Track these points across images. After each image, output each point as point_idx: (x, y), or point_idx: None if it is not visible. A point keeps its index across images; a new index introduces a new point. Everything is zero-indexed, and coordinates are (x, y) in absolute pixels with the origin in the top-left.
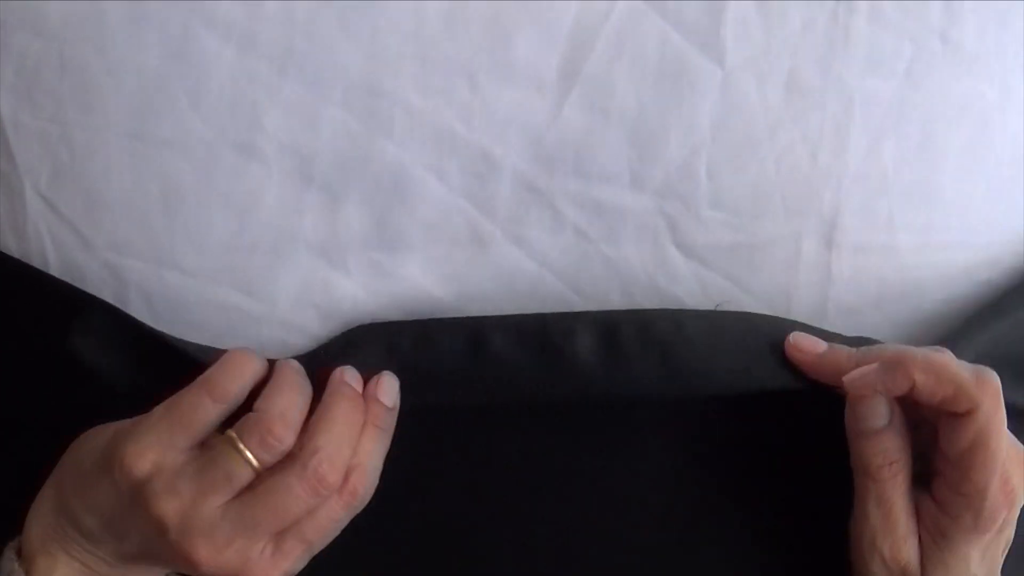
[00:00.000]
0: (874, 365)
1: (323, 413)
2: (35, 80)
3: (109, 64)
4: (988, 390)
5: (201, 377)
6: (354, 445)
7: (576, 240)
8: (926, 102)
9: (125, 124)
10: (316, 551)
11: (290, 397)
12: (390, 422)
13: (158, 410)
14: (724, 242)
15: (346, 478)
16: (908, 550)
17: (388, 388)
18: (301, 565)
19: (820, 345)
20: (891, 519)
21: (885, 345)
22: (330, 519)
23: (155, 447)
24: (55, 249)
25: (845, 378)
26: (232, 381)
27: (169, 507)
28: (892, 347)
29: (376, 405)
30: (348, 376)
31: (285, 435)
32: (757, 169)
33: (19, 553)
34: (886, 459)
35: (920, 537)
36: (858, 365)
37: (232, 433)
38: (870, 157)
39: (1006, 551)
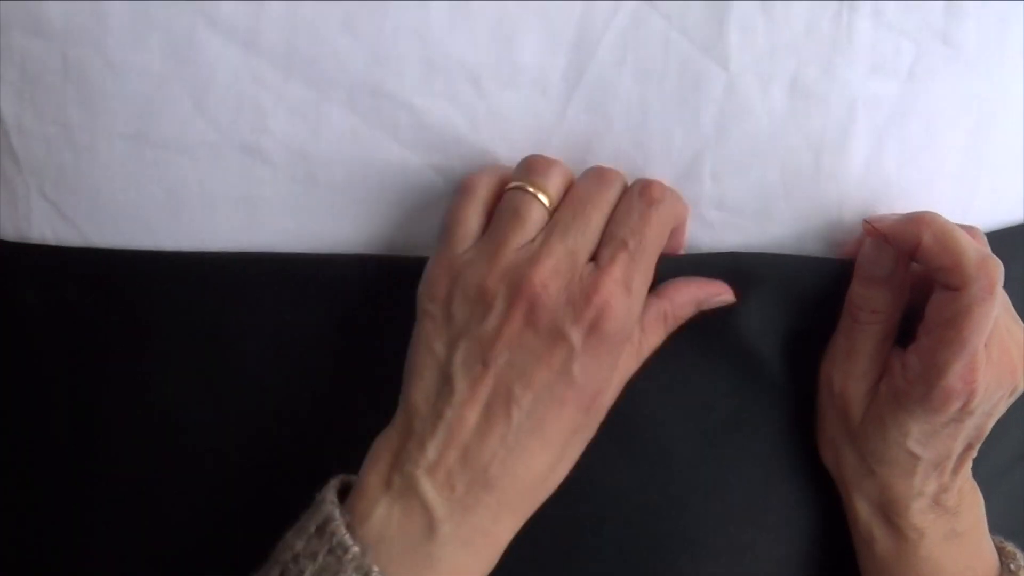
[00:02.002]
0: (894, 218)
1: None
2: (38, 82)
3: (112, 65)
4: (984, 275)
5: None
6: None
7: None
8: (928, 103)
9: (128, 125)
10: (644, 262)
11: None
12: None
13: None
14: (728, 243)
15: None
16: (854, 387)
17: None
18: (636, 279)
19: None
20: (852, 356)
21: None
22: (629, 210)
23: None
24: None
25: (865, 219)
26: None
27: (480, 268)
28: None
29: None
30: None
31: (553, 164)
32: (761, 171)
33: (341, 495)
34: (870, 307)
35: (879, 391)
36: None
37: (510, 183)
38: (873, 158)
39: (968, 454)
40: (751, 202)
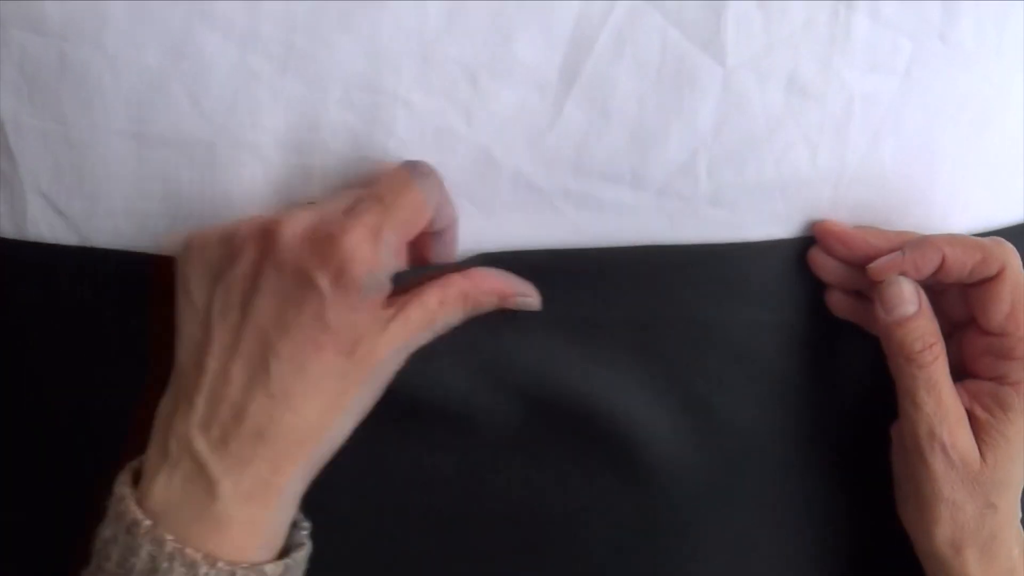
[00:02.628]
0: (897, 252)
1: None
2: (35, 79)
3: (109, 63)
4: (1009, 250)
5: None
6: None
7: (576, 238)
8: (925, 101)
9: (125, 123)
10: (396, 215)
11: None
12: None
13: None
14: (724, 240)
15: None
16: (965, 435)
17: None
18: (385, 232)
19: (846, 226)
20: (943, 403)
21: (901, 232)
22: (405, 182)
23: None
24: None
25: (871, 266)
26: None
27: (226, 226)
28: (910, 232)
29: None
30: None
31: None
32: (757, 168)
33: (135, 476)
34: (925, 342)
35: (975, 420)
36: (887, 243)
37: None
38: (869, 155)
39: None
40: (747, 199)
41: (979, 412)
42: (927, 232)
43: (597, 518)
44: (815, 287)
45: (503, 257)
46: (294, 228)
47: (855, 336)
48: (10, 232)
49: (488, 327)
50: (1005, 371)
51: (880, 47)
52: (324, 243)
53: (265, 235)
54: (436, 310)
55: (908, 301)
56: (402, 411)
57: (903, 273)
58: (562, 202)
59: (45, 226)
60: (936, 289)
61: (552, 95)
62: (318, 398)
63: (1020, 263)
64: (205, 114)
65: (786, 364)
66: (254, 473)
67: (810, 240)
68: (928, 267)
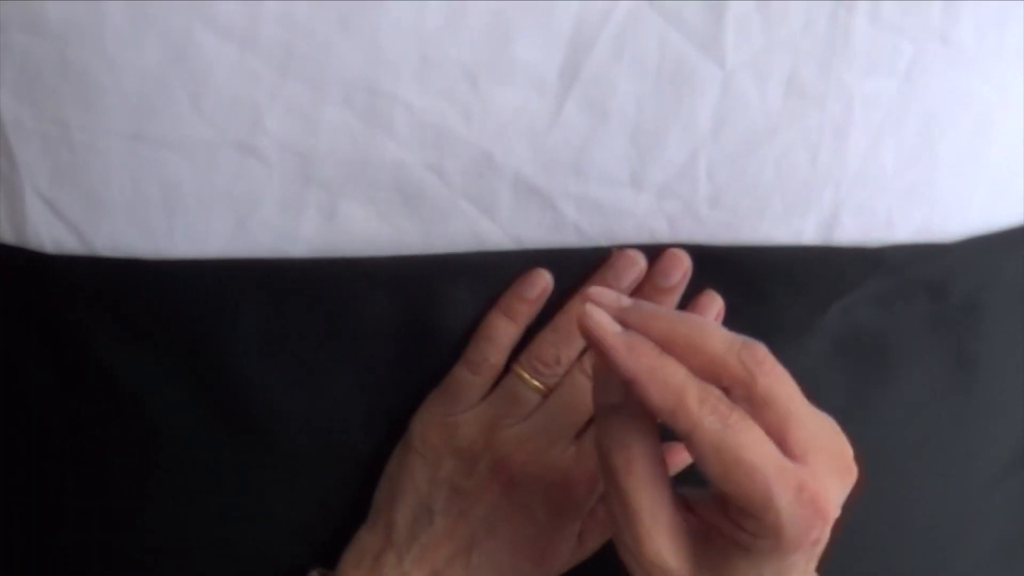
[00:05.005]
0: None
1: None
2: (35, 80)
3: (109, 64)
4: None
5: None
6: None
7: (577, 240)
8: (926, 102)
9: (125, 124)
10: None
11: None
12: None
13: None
14: (723, 241)
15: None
16: (655, 543)
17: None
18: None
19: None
20: (629, 510)
21: (704, 328)
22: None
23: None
24: (55, 249)
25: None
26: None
27: (472, 432)
28: (712, 337)
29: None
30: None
31: (554, 357)
32: (757, 169)
33: None
34: (616, 442)
35: (697, 551)
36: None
37: (515, 364)
38: (869, 157)
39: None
40: (747, 200)
41: (720, 541)
42: (924, 233)
43: None
44: (816, 291)
45: (503, 257)
46: (526, 466)
47: (850, 343)
48: (8, 233)
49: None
50: (744, 523)
51: (880, 49)
52: (551, 486)
53: (501, 468)
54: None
55: (610, 391)
56: None
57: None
58: (562, 203)
59: (44, 227)
60: None
61: (552, 96)
62: None
63: (725, 415)
64: (204, 115)
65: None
66: None
67: (810, 248)
68: (613, 397)
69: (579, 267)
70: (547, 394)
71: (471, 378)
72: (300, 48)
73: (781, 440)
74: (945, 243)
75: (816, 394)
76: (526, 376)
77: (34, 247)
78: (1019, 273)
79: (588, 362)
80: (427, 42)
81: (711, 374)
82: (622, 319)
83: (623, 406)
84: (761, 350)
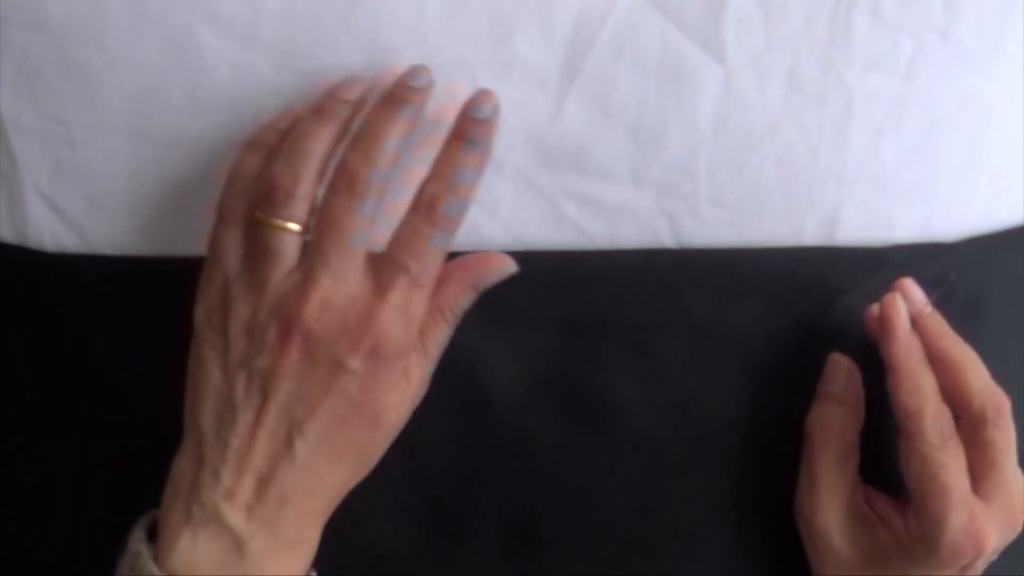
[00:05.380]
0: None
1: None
2: (36, 78)
3: (110, 61)
4: (936, 425)
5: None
6: (379, 140)
7: (577, 237)
8: (926, 100)
9: (126, 121)
10: (425, 285)
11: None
12: (481, 135)
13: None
14: (724, 240)
15: (425, 192)
16: (827, 516)
17: (480, 102)
18: (416, 303)
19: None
20: (814, 481)
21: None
22: (414, 233)
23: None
24: (55, 246)
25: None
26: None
27: (247, 301)
28: (974, 375)
29: (463, 121)
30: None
31: (294, 185)
32: (757, 167)
33: (149, 532)
34: (822, 423)
35: (879, 539)
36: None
37: (254, 214)
38: (870, 155)
39: None
40: (747, 198)
41: (882, 536)
42: (924, 231)
43: (591, 514)
44: (818, 291)
45: None
46: (321, 316)
47: (854, 343)
48: (8, 231)
49: (490, 327)
50: (911, 523)
51: (880, 46)
52: (354, 330)
53: (289, 324)
54: (426, 342)
55: (833, 381)
56: None
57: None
58: (562, 201)
59: (44, 225)
60: None
61: (552, 93)
62: (344, 466)
63: (944, 443)
64: (205, 114)
65: (786, 368)
66: (280, 532)
67: (813, 248)
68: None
69: (580, 267)
70: (305, 230)
71: (225, 231)
72: (301, 45)
73: (979, 478)
74: (946, 243)
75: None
76: (268, 220)
77: (34, 245)
78: (1019, 273)
79: (337, 175)
80: (428, 39)
81: (956, 400)
82: (916, 319)
83: (840, 397)
84: (1005, 405)
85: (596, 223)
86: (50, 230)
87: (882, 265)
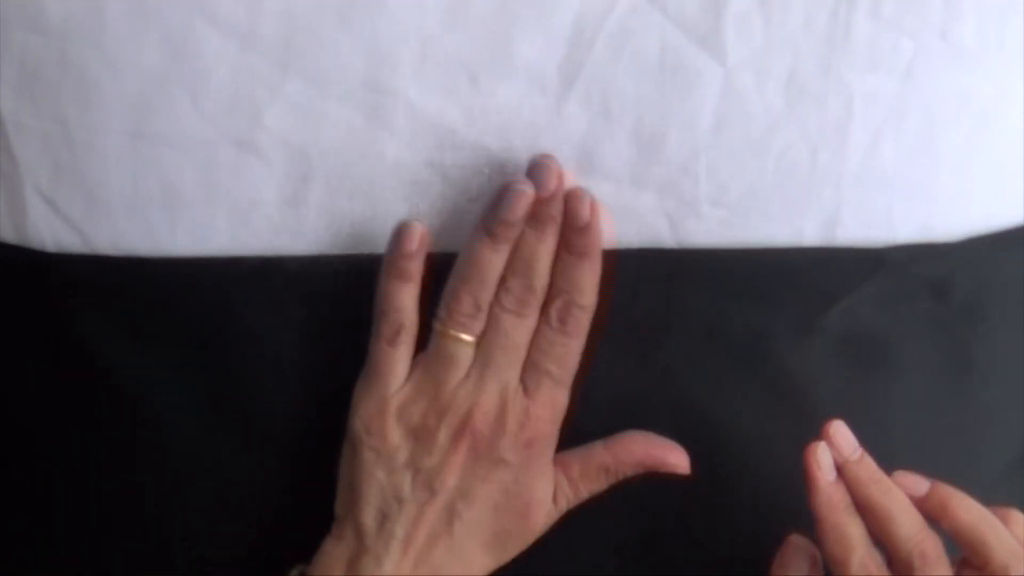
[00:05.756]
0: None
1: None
2: (35, 78)
3: (109, 62)
4: (1004, 548)
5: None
6: (535, 265)
7: None
8: (926, 100)
9: (125, 122)
10: (565, 383)
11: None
12: (588, 244)
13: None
14: (724, 240)
15: (552, 308)
16: None
17: (577, 208)
18: (559, 399)
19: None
20: None
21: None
22: (551, 343)
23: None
24: (55, 247)
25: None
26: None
27: (419, 407)
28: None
29: (568, 232)
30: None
31: (473, 306)
32: (757, 167)
33: None
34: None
35: None
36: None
37: (437, 324)
38: (870, 155)
39: None
40: (747, 198)
41: None
42: (924, 231)
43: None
44: (817, 292)
45: None
46: (487, 417)
47: (853, 343)
48: (8, 232)
49: None
50: None
51: (881, 46)
52: (514, 428)
53: (463, 426)
54: (578, 488)
55: (796, 567)
56: None
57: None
58: None
59: (44, 226)
60: None
61: (552, 94)
62: (489, 553)
63: (1010, 560)
64: (205, 113)
65: (785, 369)
66: None
67: (812, 248)
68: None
69: None
70: (479, 342)
71: (392, 352)
72: (300, 45)
73: None
74: (946, 243)
75: (817, 394)
76: (452, 332)
77: (35, 245)
78: (1019, 272)
79: (505, 297)
80: (428, 39)
81: (886, 545)
82: (843, 468)
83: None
84: (934, 550)
85: None
86: (50, 230)
87: (882, 265)
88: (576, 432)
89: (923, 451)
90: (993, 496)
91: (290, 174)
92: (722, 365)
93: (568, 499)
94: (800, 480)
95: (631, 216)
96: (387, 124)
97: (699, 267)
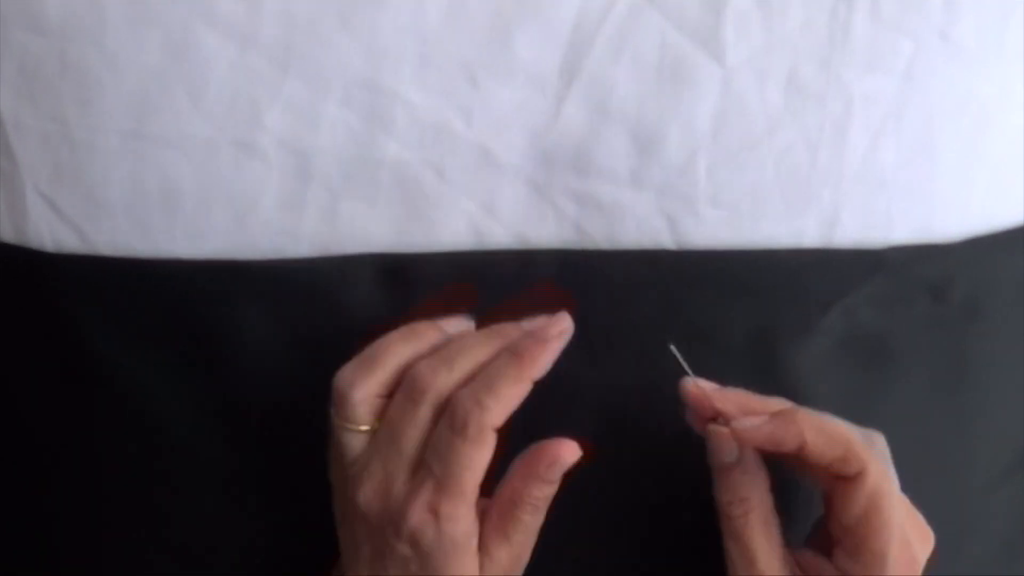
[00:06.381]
0: (764, 417)
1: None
2: (35, 78)
3: (109, 62)
4: (876, 454)
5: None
6: (458, 367)
7: (577, 237)
8: (926, 100)
9: (125, 122)
10: (446, 484)
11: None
12: (528, 350)
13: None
14: (724, 240)
15: (456, 401)
16: None
17: (546, 323)
18: (446, 502)
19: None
20: (748, 556)
21: (773, 399)
22: (449, 448)
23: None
24: (55, 247)
25: (734, 423)
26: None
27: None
28: (780, 402)
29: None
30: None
31: (354, 400)
32: (757, 168)
33: None
34: (734, 495)
35: None
36: (743, 409)
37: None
38: (869, 156)
39: None
40: (746, 199)
41: None
42: (924, 231)
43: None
44: (817, 292)
45: (504, 256)
46: (370, 503)
47: (853, 344)
48: (8, 231)
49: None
50: (850, 569)
51: (880, 47)
52: (396, 520)
53: (352, 517)
54: (526, 506)
55: (725, 452)
56: None
57: (761, 444)
58: (562, 201)
59: (45, 225)
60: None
61: (552, 94)
62: None
63: (887, 465)
64: (204, 113)
65: (785, 370)
66: None
67: (812, 250)
68: (788, 446)
69: (582, 267)
70: (373, 428)
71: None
72: (300, 46)
73: None
74: (946, 243)
75: (817, 395)
76: (337, 424)
77: (34, 246)
78: (1019, 273)
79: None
80: (427, 40)
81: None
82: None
83: (738, 463)
84: None
85: (596, 223)
86: (50, 230)
87: (881, 266)
88: (576, 433)
89: (923, 451)
90: (993, 496)
91: (290, 175)
92: (722, 365)
93: (506, 550)
94: (799, 479)
95: (631, 216)
96: (387, 125)
97: (699, 267)
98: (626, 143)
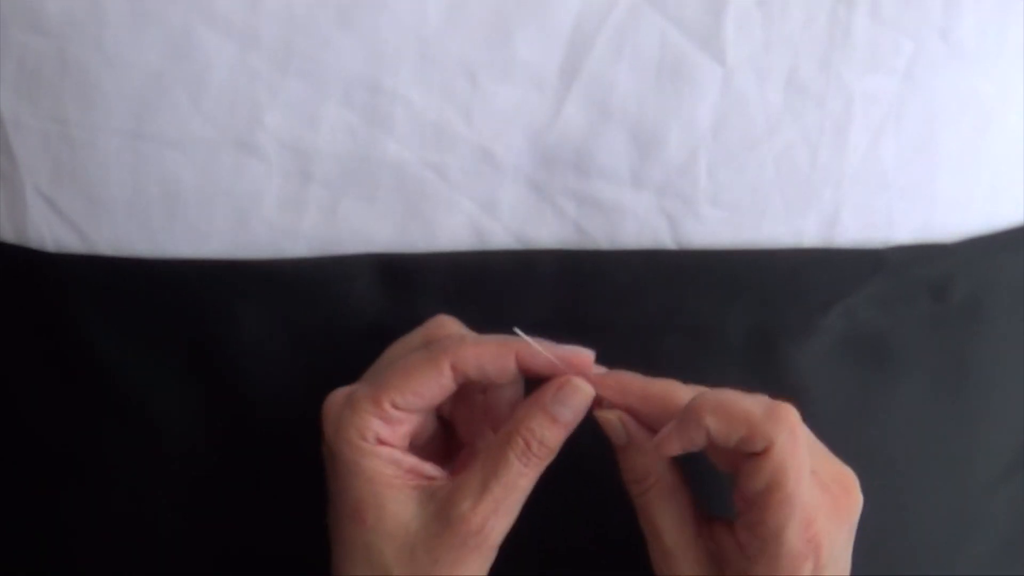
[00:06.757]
0: (670, 425)
1: None
2: (35, 78)
3: (109, 62)
4: (784, 426)
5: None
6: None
7: (577, 237)
8: (926, 100)
9: (125, 122)
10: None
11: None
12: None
13: None
14: (724, 240)
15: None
16: (679, 566)
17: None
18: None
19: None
20: (654, 532)
21: (674, 385)
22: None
23: None
24: (55, 247)
25: (654, 441)
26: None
27: None
28: (680, 390)
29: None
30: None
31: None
32: (757, 167)
33: None
34: (633, 474)
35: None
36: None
37: None
38: (870, 155)
39: None
40: (747, 198)
41: (727, 570)
42: (925, 240)
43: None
44: (817, 292)
45: (504, 256)
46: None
47: (852, 344)
48: (8, 231)
49: (490, 327)
50: (748, 542)
51: (880, 46)
52: None
53: None
54: (505, 474)
55: (614, 436)
56: None
57: (679, 452)
58: (562, 201)
59: (45, 225)
60: None
61: (552, 94)
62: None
63: (795, 437)
64: (204, 113)
65: (785, 370)
66: None
67: (812, 249)
68: (698, 443)
69: (582, 267)
70: None
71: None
72: (300, 46)
73: None
74: (946, 243)
75: (817, 395)
76: None
77: (35, 245)
78: (1020, 273)
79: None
80: (427, 40)
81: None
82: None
83: (629, 443)
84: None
85: (596, 223)
86: (50, 230)
87: (882, 266)
88: (575, 433)
89: (922, 451)
90: (993, 496)
91: (290, 174)
92: (722, 365)
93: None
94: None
95: (631, 216)
96: (387, 125)
97: (699, 267)
98: (626, 143)
